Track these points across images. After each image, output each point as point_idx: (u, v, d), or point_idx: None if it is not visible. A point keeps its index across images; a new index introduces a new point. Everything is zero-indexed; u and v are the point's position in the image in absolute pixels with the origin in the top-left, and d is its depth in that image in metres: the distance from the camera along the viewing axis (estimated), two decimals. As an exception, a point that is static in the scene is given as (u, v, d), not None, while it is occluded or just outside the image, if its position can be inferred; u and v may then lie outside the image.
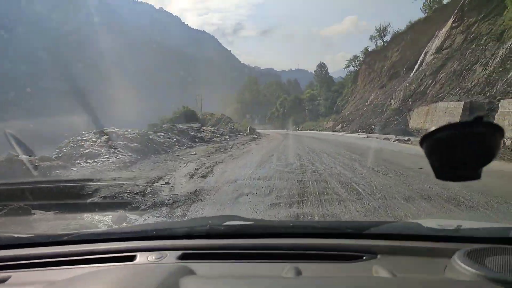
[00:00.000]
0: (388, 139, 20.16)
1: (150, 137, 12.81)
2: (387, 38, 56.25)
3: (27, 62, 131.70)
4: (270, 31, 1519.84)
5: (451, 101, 25.86)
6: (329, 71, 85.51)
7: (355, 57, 63.31)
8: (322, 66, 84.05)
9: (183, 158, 10.34)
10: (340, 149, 12.45)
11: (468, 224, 1.52)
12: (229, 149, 12.61)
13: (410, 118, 32.99)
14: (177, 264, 1.20)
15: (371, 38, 58.70)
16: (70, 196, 5.19)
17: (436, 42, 41.38)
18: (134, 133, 12.28)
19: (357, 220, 3.81)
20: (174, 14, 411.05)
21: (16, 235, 1.59)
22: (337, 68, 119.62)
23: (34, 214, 4.34)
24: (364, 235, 1.36)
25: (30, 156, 8.08)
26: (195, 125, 21.64)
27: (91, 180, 6.07)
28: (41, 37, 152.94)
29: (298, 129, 60.48)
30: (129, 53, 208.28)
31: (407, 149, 13.67)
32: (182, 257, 1.28)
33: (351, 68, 65.60)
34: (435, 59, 38.39)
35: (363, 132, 34.27)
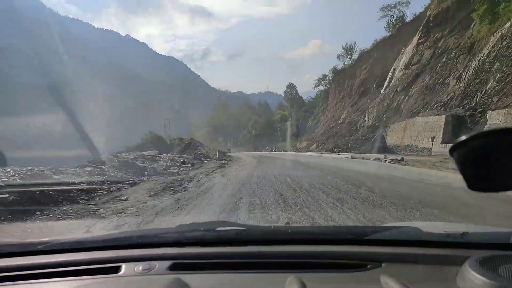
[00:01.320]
0: (378, 159, 17.56)
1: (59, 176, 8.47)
2: (355, 56, 56.80)
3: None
4: (238, 55, 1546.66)
5: (430, 115, 25.05)
6: (298, 92, 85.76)
7: (324, 76, 63.53)
8: (291, 87, 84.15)
9: (84, 215, 5.73)
10: (332, 178, 9.69)
11: (472, 228, 1.45)
12: (183, 186, 9.08)
13: (386, 135, 32.11)
14: (168, 276, 1.10)
15: (338, 57, 59.18)
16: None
17: (404, 58, 41.71)
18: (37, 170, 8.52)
19: (358, 225, 3.61)
20: (141, 41, 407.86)
21: None
22: (305, 89, 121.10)
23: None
24: (365, 241, 1.30)
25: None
26: (151, 152, 18.88)
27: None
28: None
29: (272, 150, 58.89)
30: (94, 80, 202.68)
31: (414, 173, 10.98)
32: (172, 268, 1.17)
33: (321, 87, 65.72)
34: (404, 75, 38.36)
35: (340, 151, 32.97)
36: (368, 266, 1.14)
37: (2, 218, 4.76)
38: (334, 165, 15.42)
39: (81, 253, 1.32)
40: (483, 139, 0.69)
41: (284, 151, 53.78)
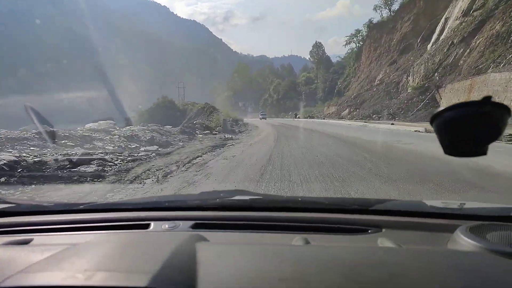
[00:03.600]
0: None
1: None
2: (395, 7, 48.51)
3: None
4: (261, 18, 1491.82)
5: (507, 71, 18.55)
6: (325, 51, 77.60)
7: (357, 31, 55.18)
8: (318, 46, 76.01)
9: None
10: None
11: (471, 204, 1.54)
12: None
13: (441, 98, 25.70)
14: (191, 232, 1.24)
15: (375, 8, 50.82)
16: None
17: (460, 4, 33.86)
18: None
19: (365, 198, 3.69)
20: (162, 5, 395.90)
21: (34, 203, 1.78)
22: (331, 52, 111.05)
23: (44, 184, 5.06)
24: (369, 211, 1.39)
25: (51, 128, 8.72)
26: (102, 124, 12.51)
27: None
28: (24, 22, 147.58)
29: (296, 117, 52.95)
30: (115, 44, 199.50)
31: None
32: (195, 227, 1.31)
33: (353, 45, 57.69)
34: (463, 24, 30.92)
35: (380, 118, 26.94)
36: (369, 231, 1.23)
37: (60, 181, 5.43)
38: (418, 151, 8.28)
39: (117, 213, 1.49)
40: (459, 110, 0.75)
41: (310, 117, 47.77)
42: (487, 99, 0.73)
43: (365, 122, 23.60)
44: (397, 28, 45.82)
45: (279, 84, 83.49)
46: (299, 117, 53.85)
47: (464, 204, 1.43)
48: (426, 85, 28.26)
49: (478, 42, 26.63)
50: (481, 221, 1.23)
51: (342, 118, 34.44)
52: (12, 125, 11.68)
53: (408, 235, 1.21)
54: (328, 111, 47.93)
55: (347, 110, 36.78)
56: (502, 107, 0.75)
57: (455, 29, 31.76)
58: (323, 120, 35.43)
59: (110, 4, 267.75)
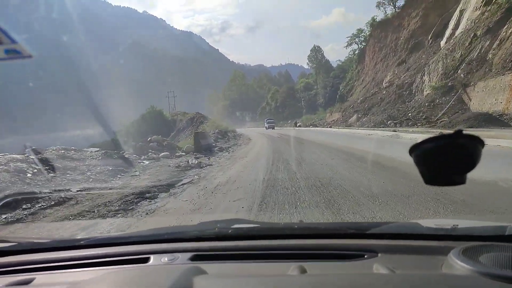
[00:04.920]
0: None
1: None
2: (400, 3, 44.65)
3: None
4: (257, 27, 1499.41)
5: None
6: (324, 55, 73.69)
7: (360, 31, 51.02)
8: (316, 50, 72.13)
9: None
10: None
11: (465, 223, 1.52)
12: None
13: (470, 98, 21.44)
14: (190, 265, 1.25)
15: (378, 5, 46.90)
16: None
17: (478, -7, 29.96)
18: None
19: (360, 222, 3.49)
20: (158, 17, 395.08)
21: (36, 240, 1.74)
22: (328, 59, 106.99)
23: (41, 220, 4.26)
24: (365, 235, 1.39)
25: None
26: None
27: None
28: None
29: (297, 125, 48.51)
30: (111, 58, 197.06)
31: None
32: (194, 258, 1.32)
33: (355, 46, 53.63)
34: (485, 13, 26.86)
35: (396, 124, 22.57)
36: (365, 256, 1.23)
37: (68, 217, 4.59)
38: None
39: (117, 247, 1.49)
40: (435, 142, 0.81)
41: (314, 125, 43.31)
42: (459, 132, 0.78)
43: (394, 131, 17.89)
44: (404, 25, 41.91)
45: (277, 91, 79.48)
46: (300, 125, 49.44)
47: (457, 225, 1.41)
48: (450, 83, 24.01)
49: (510, 31, 22.50)
50: (474, 241, 1.22)
51: (350, 125, 30.09)
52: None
53: (404, 259, 1.20)
54: (331, 118, 43.64)
55: (354, 117, 32.48)
56: (475, 139, 0.80)
57: (476, 20, 27.69)
58: (329, 129, 30.74)
59: (106, 17, 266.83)
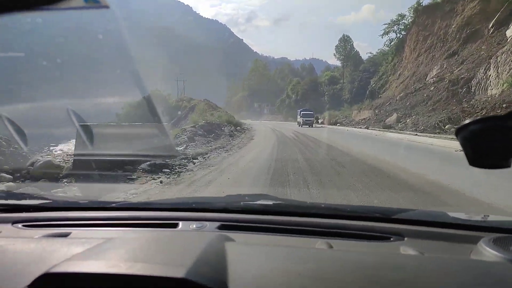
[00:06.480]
0: None
1: None
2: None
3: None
4: (283, 20, 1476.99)
5: None
6: (354, 46, 66.52)
7: (401, 16, 43.88)
8: (345, 40, 65.07)
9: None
10: None
11: (494, 217, 1.50)
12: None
13: None
14: (218, 232, 1.26)
15: (424, -13, 39.66)
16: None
17: None
18: None
19: (387, 206, 3.53)
20: (185, 4, 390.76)
21: (71, 200, 1.89)
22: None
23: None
24: (392, 220, 1.37)
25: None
26: None
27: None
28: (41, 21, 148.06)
29: (319, 122, 42.29)
30: (136, 43, 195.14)
31: None
32: (221, 227, 1.33)
33: (392, 35, 46.51)
34: None
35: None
36: (391, 239, 1.22)
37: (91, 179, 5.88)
38: None
39: (147, 212, 1.54)
40: (480, 123, 0.79)
41: (339, 123, 37.08)
42: (510, 114, 0.75)
43: None
44: (458, 11, 34.89)
45: (298, 83, 72.95)
46: (322, 123, 43.18)
47: (488, 216, 1.39)
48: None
49: None
50: (504, 233, 1.20)
51: (390, 127, 23.76)
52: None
53: (431, 244, 1.19)
54: (360, 116, 37.29)
55: (394, 116, 26.16)
56: None
57: None
58: (366, 130, 24.03)
59: (133, 2, 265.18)
